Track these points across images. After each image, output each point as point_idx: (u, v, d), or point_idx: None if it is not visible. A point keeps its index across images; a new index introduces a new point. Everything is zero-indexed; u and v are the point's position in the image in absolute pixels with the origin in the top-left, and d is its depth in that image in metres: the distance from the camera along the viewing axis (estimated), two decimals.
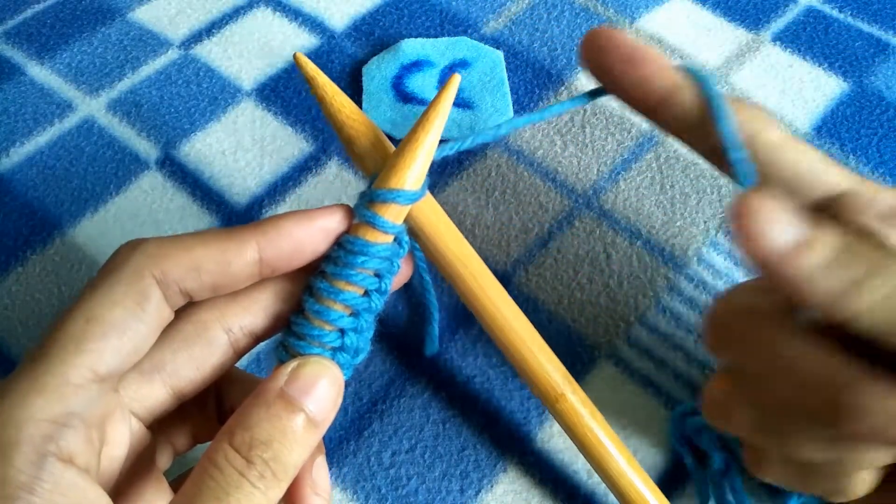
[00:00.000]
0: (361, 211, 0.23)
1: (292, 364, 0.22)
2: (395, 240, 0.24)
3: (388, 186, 0.23)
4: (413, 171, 0.23)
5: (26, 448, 0.18)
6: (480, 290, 0.26)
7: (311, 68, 0.24)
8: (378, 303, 0.24)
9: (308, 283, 0.24)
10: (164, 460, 0.25)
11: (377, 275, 0.23)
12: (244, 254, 0.22)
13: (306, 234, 0.23)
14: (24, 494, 0.18)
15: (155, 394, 0.23)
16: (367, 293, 0.24)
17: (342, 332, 0.23)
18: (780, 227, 0.17)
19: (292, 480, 0.21)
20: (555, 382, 0.26)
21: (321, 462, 0.25)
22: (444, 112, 0.23)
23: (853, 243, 0.18)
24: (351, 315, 0.23)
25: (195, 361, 0.23)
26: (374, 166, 0.24)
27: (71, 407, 0.19)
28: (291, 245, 0.22)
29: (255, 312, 0.24)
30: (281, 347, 0.24)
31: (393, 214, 0.23)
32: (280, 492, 0.21)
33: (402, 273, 0.25)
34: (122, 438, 0.22)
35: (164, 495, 0.24)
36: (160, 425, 0.24)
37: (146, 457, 0.23)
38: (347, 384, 0.32)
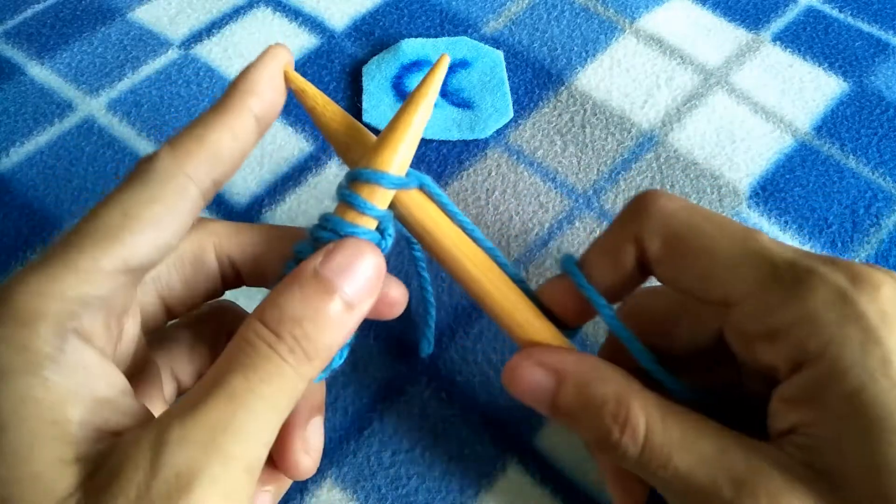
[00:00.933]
0: (341, 189, 0.23)
1: (329, 246, 0.22)
2: (378, 229, 0.23)
3: (371, 167, 0.22)
4: (398, 154, 0.23)
5: (51, 321, 0.19)
6: (488, 281, 0.25)
7: (300, 81, 0.24)
8: None
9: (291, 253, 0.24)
10: (168, 390, 0.26)
11: None
12: (244, 119, 0.23)
13: (279, 78, 0.24)
14: (48, 364, 0.18)
15: (148, 300, 0.24)
16: None
17: None
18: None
19: (325, 363, 0.21)
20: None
21: (318, 422, 0.24)
22: (431, 93, 0.23)
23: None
24: None
25: (188, 281, 0.24)
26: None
27: (97, 291, 0.19)
28: (274, 93, 0.24)
29: (244, 251, 0.25)
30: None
31: (375, 197, 0.22)
32: (313, 372, 0.21)
33: (395, 299, 0.25)
34: (133, 334, 0.23)
35: (160, 403, 0.24)
36: (171, 359, 0.25)
37: (144, 357, 0.24)
38: (347, 384, 0.32)
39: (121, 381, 0.20)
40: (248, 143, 0.23)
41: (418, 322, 0.27)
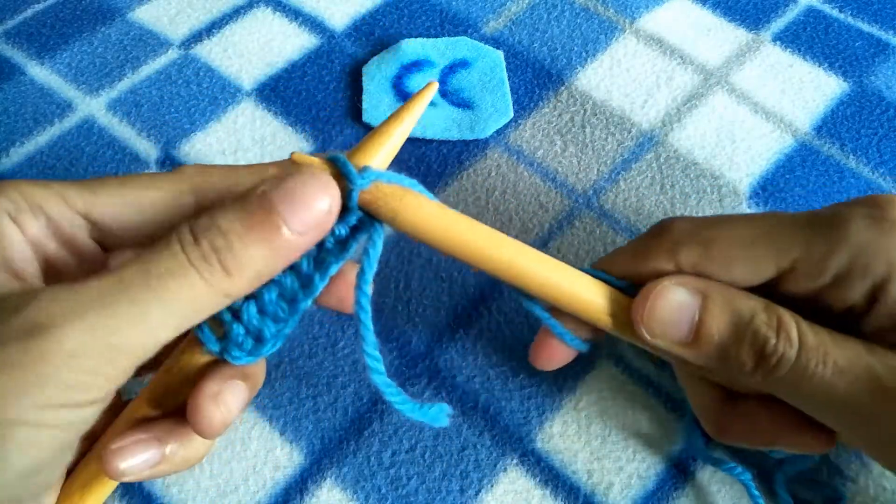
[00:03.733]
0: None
1: (290, 170, 0.21)
2: (349, 228, 0.23)
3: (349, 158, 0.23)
4: (371, 156, 0.24)
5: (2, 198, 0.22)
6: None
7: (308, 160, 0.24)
8: (292, 283, 0.23)
9: None
10: None
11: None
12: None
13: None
14: None
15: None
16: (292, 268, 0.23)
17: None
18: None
19: (249, 285, 0.21)
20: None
21: (239, 385, 0.23)
22: (409, 119, 0.25)
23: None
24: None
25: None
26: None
27: (46, 207, 0.22)
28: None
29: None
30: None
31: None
32: (229, 289, 0.20)
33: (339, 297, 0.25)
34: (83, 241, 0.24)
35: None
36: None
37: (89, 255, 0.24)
38: (347, 384, 0.32)
39: (35, 266, 0.22)
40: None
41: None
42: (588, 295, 0.25)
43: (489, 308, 0.34)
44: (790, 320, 0.23)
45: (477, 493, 0.30)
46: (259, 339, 0.23)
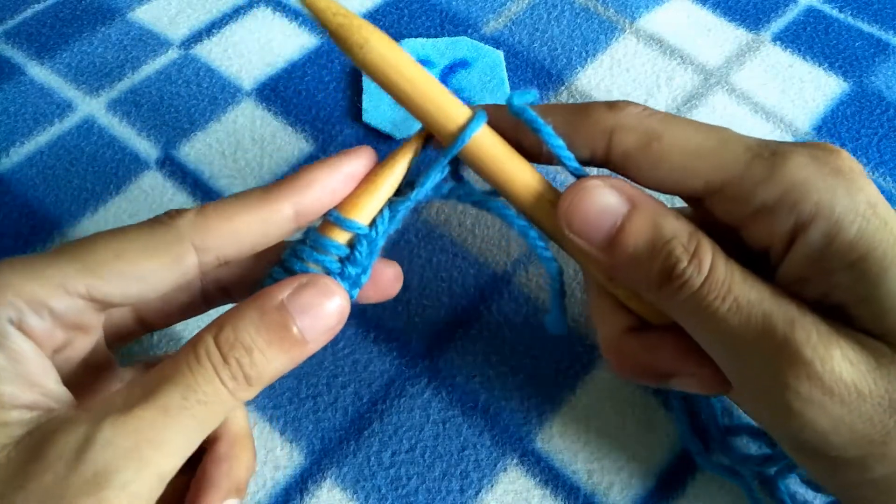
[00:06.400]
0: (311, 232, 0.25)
1: (302, 279, 0.22)
2: (352, 251, 0.24)
3: (342, 214, 0.24)
4: (363, 208, 0.24)
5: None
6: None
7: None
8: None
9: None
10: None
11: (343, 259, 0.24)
12: (281, 212, 0.23)
13: (336, 182, 0.24)
14: None
15: (118, 312, 0.25)
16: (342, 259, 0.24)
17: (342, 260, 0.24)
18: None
19: (261, 389, 0.22)
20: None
21: (233, 503, 0.25)
22: (401, 165, 0.25)
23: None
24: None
25: (165, 296, 0.25)
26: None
27: (52, 303, 0.21)
28: (324, 195, 0.24)
29: (231, 269, 0.26)
30: (279, 267, 0.24)
31: (336, 235, 0.24)
32: (248, 397, 0.22)
33: (389, 281, 0.27)
34: (87, 346, 0.24)
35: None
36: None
37: (104, 364, 0.25)
38: (347, 384, 0.32)
39: (53, 373, 0.22)
40: (278, 233, 0.24)
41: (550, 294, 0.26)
42: (523, 175, 0.24)
43: (489, 308, 0.34)
44: (707, 249, 0.22)
45: (477, 493, 0.30)
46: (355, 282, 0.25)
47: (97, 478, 0.19)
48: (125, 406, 0.20)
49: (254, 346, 0.21)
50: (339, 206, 0.25)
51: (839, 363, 0.20)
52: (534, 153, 0.25)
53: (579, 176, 0.24)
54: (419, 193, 0.25)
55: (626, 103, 0.25)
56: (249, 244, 0.23)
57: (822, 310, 0.22)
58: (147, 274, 0.22)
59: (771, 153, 0.23)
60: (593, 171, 0.26)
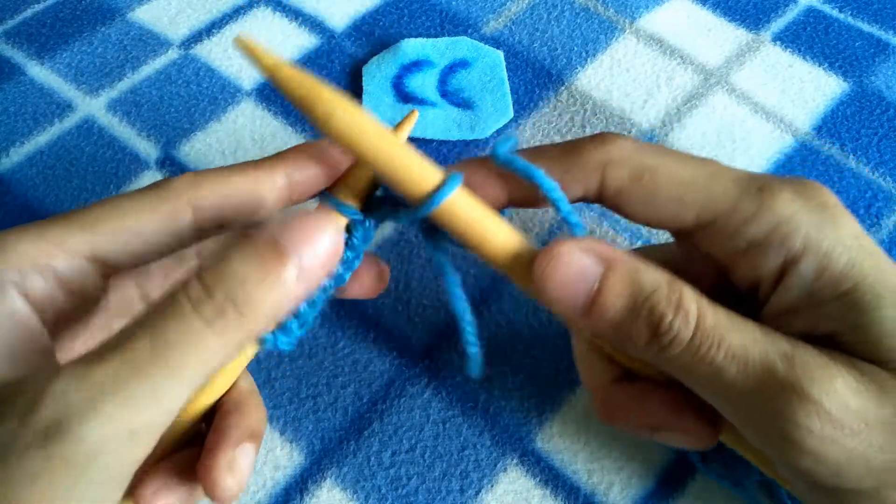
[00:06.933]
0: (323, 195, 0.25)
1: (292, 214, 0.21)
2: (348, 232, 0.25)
3: (336, 197, 0.25)
4: (359, 196, 0.25)
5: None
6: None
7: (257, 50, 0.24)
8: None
9: None
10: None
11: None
12: (274, 180, 0.24)
13: (331, 158, 0.24)
14: None
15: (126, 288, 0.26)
16: None
17: None
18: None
19: (263, 331, 0.20)
20: None
21: (249, 447, 0.23)
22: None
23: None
24: None
25: (165, 266, 0.26)
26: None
27: (53, 263, 0.22)
28: (319, 169, 0.24)
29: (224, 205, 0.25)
30: None
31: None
32: (240, 338, 0.19)
33: (373, 280, 0.28)
34: (99, 325, 0.24)
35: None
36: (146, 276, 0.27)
37: (94, 299, 0.25)
38: (347, 384, 0.32)
39: (45, 337, 0.22)
40: (272, 199, 0.24)
41: (463, 341, 0.27)
42: (500, 237, 0.24)
43: (489, 308, 0.34)
44: (691, 299, 0.22)
45: (477, 493, 0.30)
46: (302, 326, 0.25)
47: (48, 430, 0.17)
48: (87, 358, 0.18)
49: (248, 279, 0.19)
50: (335, 190, 0.25)
51: (843, 394, 0.20)
52: (528, 198, 0.25)
53: (571, 224, 0.24)
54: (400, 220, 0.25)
55: (616, 136, 0.25)
56: (244, 206, 0.23)
57: (810, 340, 0.22)
58: (144, 229, 0.22)
59: (758, 189, 0.23)
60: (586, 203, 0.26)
